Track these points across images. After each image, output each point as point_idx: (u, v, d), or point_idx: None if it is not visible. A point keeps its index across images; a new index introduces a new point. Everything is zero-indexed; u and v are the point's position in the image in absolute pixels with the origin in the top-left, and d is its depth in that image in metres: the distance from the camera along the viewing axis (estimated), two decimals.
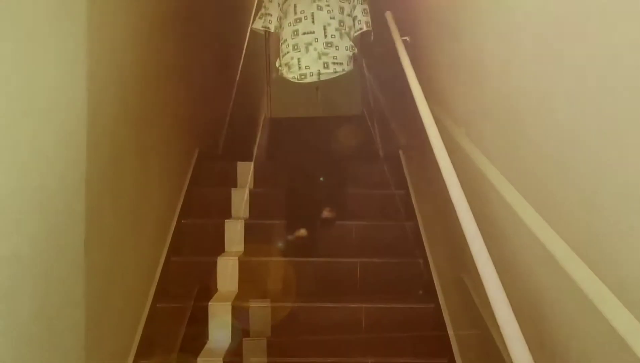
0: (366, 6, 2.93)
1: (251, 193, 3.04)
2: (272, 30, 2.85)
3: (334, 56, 2.75)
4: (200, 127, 3.28)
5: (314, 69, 2.74)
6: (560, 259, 1.29)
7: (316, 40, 2.73)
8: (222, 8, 4.03)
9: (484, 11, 1.79)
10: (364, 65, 5.16)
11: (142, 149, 2.19)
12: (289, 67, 2.76)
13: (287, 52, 2.76)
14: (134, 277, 2.15)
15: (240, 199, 3.02)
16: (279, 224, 2.81)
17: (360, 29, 2.88)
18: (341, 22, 2.79)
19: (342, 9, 2.82)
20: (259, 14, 2.89)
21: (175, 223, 2.69)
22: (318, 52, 2.73)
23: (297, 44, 2.74)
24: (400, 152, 3.24)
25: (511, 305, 1.39)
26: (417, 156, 2.83)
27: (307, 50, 2.73)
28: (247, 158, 3.95)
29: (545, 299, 1.38)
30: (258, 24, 2.89)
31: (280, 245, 2.76)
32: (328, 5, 2.78)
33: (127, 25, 1.97)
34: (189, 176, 2.99)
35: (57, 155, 1.51)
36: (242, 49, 5.31)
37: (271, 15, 2.84)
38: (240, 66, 5.10)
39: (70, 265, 1.60)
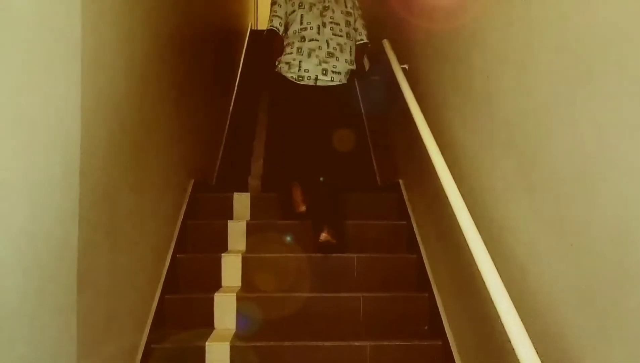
0: (364, 21, 3.17)
1: (248, 225, 2.94)
2: (280, 31, 3.03)
3: (333, 65, 2.95)
4: (195, 157, 3.20)
5: (312, 74, 2.94)
6: (584, 293, 1.22)
7: (319, 48, 2.94)
8: (215, 38, 3.99)
9: (497, 39, 1.74)
10: (359, 95, 5.15)
11: (137, 181, 2.10)
12: (290, 67, 2.95)
13: (290, 53, 2.95)
14: (129, 315, 2.04)
15: (237, 232, 2.92)
16: (278, 257, 2.72)
17: (361, 40, 3.11)
18: (348, 34, 3.02)
19: (348, 23, 3.05)
20: (269, 17, 3.08)
21: (170, 258, 2.59)
22: (319, 60, 2.93)
23: (301, 48, 2.94)
24: (401, 181, 3.16)
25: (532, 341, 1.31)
26: (419, 185, 2.75)
27: (309, 55, 2.93)
28: (242, 188, 3.89)
29: (565, 335, 1.30)
30: (270, 24, 3.05)
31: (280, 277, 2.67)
32: (332, 21, 2.99)
33: (121, 57, 1.90)
34: (184, 208, 2.90)
35: (50, 188, 1.42)
36: (236, 77, 5.28)
37: (280, 18, 3.04)
38: (234, 95, 5.06)
39: (61, 307, 1.50)
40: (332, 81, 2.95)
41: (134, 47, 2.03)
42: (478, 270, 1.56)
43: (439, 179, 1.97)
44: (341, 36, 3.00)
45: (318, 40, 2.94)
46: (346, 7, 3.10)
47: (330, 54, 2.95)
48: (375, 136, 4.21)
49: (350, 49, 3.03)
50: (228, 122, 4.67)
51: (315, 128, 2.99)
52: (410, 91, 2.55)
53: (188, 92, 3.00)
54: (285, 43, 3.01)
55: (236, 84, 5.28)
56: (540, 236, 1.45)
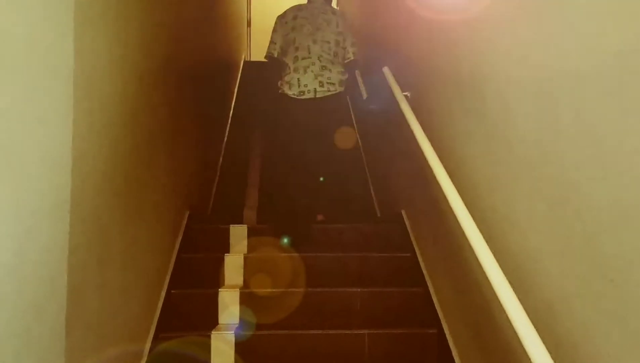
0: (355, 39, 3.45)
1: (246, 259, 2.82)
2: (275, 55, 3.37)
3: (328, 77, 3.28)
4: (189, 188, 3.08)
5: (311, 87, 3.26)
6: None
7: (313, 63, 3.27)
8: (210, 68, 3.92)
9: (515, 60, 1.66)
10: (355, 124, 5.09)
11: (131, 213, 1.98)
12: (290, 86, 3.28)
13: (289, 73, 3.29)
14: (121, 357, 1.90)
15: (234, 266, 2.79)
16: (277, 293, 2.59)
17: (349, 58, 3.38)
18: (335, 53, 3.34)
19: (337, 42, 3.36)
20: (269, 45, 3.42)
21: (164, 294, 2.45)
22: (314, 74, 3.27)
23: (297, 67, 3.28)
24: (403, 211, 3.06)
25: None
26: (425, 216, 2.65)
27: (305, 71, 3.27)
28: (237, 218, 3.77)
29: None
30: (268, 52, 3.40)
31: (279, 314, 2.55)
32: (323, 39, 3.32)
33: (115, 84, 1.81)
34: (179, 240, 2.77)
35: (38, 220, 1.30)
36: (230, 107, 5.21)
37: (275, 43, 3.39)
38: (228, 125, 4.98)
39: (48, 349, 1.36)
40: (328, 91, 3.28)
41: (128, 75, 1.94)
42: (498, 306, 1.45)
43: (449, 210, 1.87)
44: (329, 54, 3.31)
45: (311, 58, 3.27)
46: (337, 27, 3.38)
47: (324, 67, 3.28)
48: (374, 166, 4.13)
49: (340, 64, 3.36)
50: (222, 152, 4.57)
51: (316, 132, 3.35)
52: (415, 118, 2.48)
53: (183, 122, 2.90)
54: (284, 65, 3.35)
55: (230, 113, 5.20)
56: (569, 270, 1.35)
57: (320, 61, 3.26)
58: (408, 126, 2.64)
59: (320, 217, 3.49)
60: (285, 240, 3.00)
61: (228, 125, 5.00)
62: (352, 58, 3.36)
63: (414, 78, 2.83)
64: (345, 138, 4.35)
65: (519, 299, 1.45)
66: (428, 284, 2.58)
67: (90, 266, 1.60)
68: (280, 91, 3.32)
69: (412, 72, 2.85)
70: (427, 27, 2.58)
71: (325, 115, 3.30)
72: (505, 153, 1.70)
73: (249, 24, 7.92)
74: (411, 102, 2.72)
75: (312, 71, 3.24)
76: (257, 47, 8.02)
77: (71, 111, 1.44)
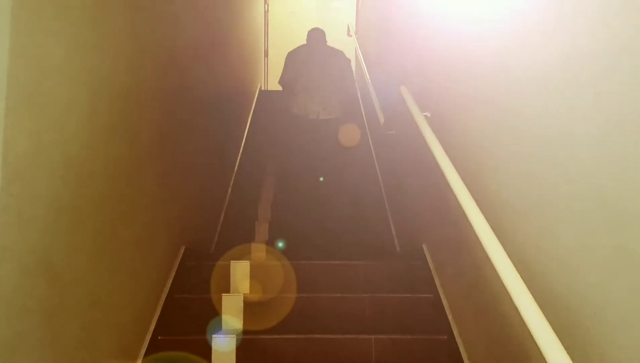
0: (351, 73, 4.41)
1: (247, 300, 2.50)
2: (288, 82, 4.27)
3: (330, 104, 4.18)
4: (186, 221, 2.79)
5: (315, 110, 4.17)
6: None
7: (317, 92, 4.18)
8: (218, 97, 3.68)
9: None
10: (373, 153, 4.80)
11: (109, 251, 1.69)
12: (299, 107, 4.20)
13: (298, 98, 4.21)
14: None
15: (233, 308, 2.47)
16: (281, 340, 2.26)
17: (348, 86, 4.34)
18: (335, 83, 4.25)
19: (340, 77, 4.28)
20: (282, 73, 4.33)
21: (148, 341, 2.14)
22: (319, 100, 4.17)
23: (305, 96, 4.18)
24: (424, 246, 2.72)
25: None
26: (449, 251, 2.31)
27: (312, 98, 4.17)
28: (244, 257, 3.46)
29: None
30: (281, 80, 4.32)
31: None
32: (326, 73, 4.20)
33: (78, 103, 1.54)
34: (170, 279, 2.47)
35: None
36: (242, 136, 4.96)
37: (288, 74, 4.27)
38: (239, 155, 4.72)
39: None
40: (329, 114, 4.20)
41: (101, 90, 1.68)
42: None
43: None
44: (332, 84, 4.24)
45: (317, 88, 4.19)
46: (339, 62, 4.30)
47: (325, 95, 4.19)
48: (393, 196, 3.80)
49: (340, 90, 4.29)
50: (232, 183, 4.30)
51: (332, 165, 4.18)
52: (436, 140, 2.16)
53: (182, 150, 2.64)
54: (295, 92, 4.24)
55: (242, 143, 4.95)
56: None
57: (324, 90, 4.18)
58: (429, 150, 2.34)
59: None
60: (280, 244, 3.21)
61: (239, 155, 4.75)
62: (347, 84, 4.34)
63: (434, 96, 2.53)
64: (362, 169, 4.54)
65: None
66: (454, 330, 2.21)
67: (33, 319, 1.30)
68: (291, 111, 4.24)
69: (433, 90, 2.56)
70: (447, 42, 2.29)
71: (339, 145, 4.10)
72: (551, 185, 1.37)
73: (266, 54, 7.78)
74: (432, 123, 2.41)
75: (316, 97, 4.16)
76: (274, 77, 7.85)
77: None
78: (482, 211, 1.65)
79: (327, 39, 4.45)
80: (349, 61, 4.37)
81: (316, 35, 4.39)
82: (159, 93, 2.28)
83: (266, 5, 7.92)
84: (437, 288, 2.47)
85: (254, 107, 5.79)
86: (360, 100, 6.18)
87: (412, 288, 2.69)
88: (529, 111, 1.50)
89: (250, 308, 2.48)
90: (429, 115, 2.54)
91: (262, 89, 6.92)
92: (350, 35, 6.74)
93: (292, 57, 4.27)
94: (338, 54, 4.33)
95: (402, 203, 3.45)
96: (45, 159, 1.35)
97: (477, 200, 1.73)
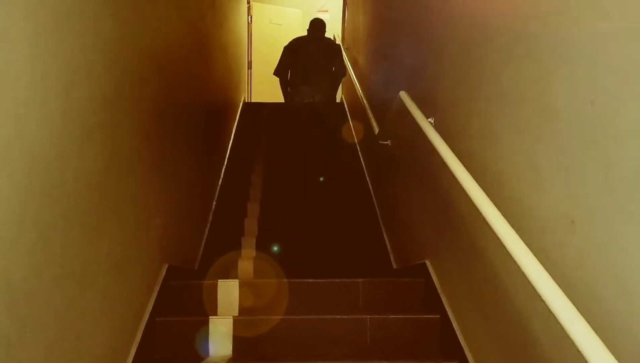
0: (342, 58, 5.21)
1: (236, 323, 2.26)
2: (285, 71, 5.17)
3: (322, 87, 5.07)
4: (170, 237, 2.56)
5: (309, 93, 5.05)
6: None
7: (310, 77, 5.01)
8: (202, 108, 3.47)
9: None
10: (363, 164, 4.62)
11: (80, 270, 1.46)
12: (296, 93, 5.08)
13: (294, 85, 5.13)
14: None
15: (221, 332, 2.24)
16: None
17: (336, 72, 5.19)
18: (328, 70, 5.12)
19: (328, 62, 5.12)
20: (278, 63, 5.18)
21: None
22: (311, 85, 5.03)
23: (299, 81, 5.07)
24: (428, 262, 2.52)
25: None
26: (460, 266, 2.12)
27: (305, 83, 5.05)
28: (231, 274, 3.24)
29: None
30: (278, 70, 5.18)
31: None
32: (317, 62, 5.05)
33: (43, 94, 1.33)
34: (151, 301, 2.23)
35: None
36: (226, 149, 4.75)
37: (284, 64, 5.15)
38: (223, 168, 4.50)
39: None
40: (322, 98, 5.10)
41: (72, 82, 1.46)
42: None
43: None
44: (322, 72, 5.10)
45: (309, 75, 5.04)
46: (331, 51, 5.17)
47: (318, 80, 5.05)
48: (387, 209, 3.61)
49: (328, 77, 5.17)
50: (216, 197, 4.07)
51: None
52: (446, 146, 1.97)
53: (163, 160, 2.41)
54: (290, 79, 5.16)
55: (226, 156, 4.73)
56: None
57: (316, 75, 5.04)
58: (434, 157, 2.15)
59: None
60: (275, 248, 3.23)
61: (223, 168, 4.52)
62: (335, 70, 5.18)
63: (440, 99, 2.35)
64: (350, 176, 4.46)
65: None
66: (467, 356, 2.01)
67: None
68: (288, 95, 5.20)
69: (438, 93, 2.38)
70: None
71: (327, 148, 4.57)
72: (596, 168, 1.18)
73: (249, 66, 7.59)
74: (437, 129, 2.23)
75: (310, 83, 5.03)
76: (257, 90, 7.66)
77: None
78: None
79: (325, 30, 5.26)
80: (339, 46, 5.34)
81: (315, 27, 5.15)
82: (140, 100, 2.07)
83: (249, 16, 7.75)
84: (445, 307, 2.26)
85: (238, 120, 5.58)
86: (347, 112, 6.02)
87: (416, 308, 2.49)
88: (569, 114, 1.32)
89: (240, 331, 2.25)
90: (432, 121, 2.36)
91: (246, 101, 6.71)
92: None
93: (290, 49, 5.16)
94: (330, 42, 5.32)
95: (398, 216, 3.25)
96: (4, 165, 1.13)
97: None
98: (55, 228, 1.35)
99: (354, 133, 5.21)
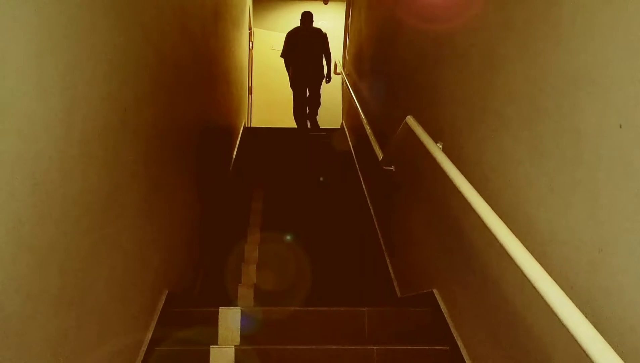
0: (328, 45, 6.65)
1: (237, 353, 2.18)
2: (286, 56, 6.59)
3: (317, 70, 6.53)
4: (170, 263, 2.48)
5: (306, 75, 6.49)
6: None
7: (307, 63, 6.48)
8: (207, 126, 3.43)
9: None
10: (365, 192, 4.57)
11: (79, 296, 1.39)
12: (295, 75, 6.51)
13: (293, 69, 6.54)
14: None
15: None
16: None
17: (325, 54, 6.65)
18: (320, 57, 6.58)
19: (320, 51, 6.56)
20: (285, 47, 6.59)
21: None
22: (307, 69, 6.47)
23: (297, 66, 6.49)
24: (435, 291, 2.45)
25: None
26: (471, 295, 2.05)
27: (303, 67, 6.48)
28: (232, 299, 3.16)
29: None
30: (284, 53, 6.59)
31: None
32: (312, 51, 6.48)
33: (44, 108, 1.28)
34: (151, 329, 2.15)
35: None
36: (227, 173, 4.69)
37: (285, 51, 6.56)
38: (224, 191, 4.44)
39: None
40: (317, 78, 6.56)
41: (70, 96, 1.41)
42: None
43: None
44: (316, 59, 6.51)
45: (305, 60, 6.46)
46: (323, 44, 6.55)
47: (314, 63, 6.50)
48: (390, 236, 3.54)
49: (322, 64, 6.60)
50: (217, 221, 4.00)
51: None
52: (458, 171, 1.92)
53: (165, 182, 2.36)
54: (290, 63, 6.56)
55: (227, 178, 4.68)
56: None
57: (311, 60, 6.47)
58: (443, 182, 2.10)
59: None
60: (276, 275, 3.27)
61: (224, 190, 4.46)
62: (325, 56, 6.61)
63: (448, 123, 2.31)
64: (352, 202, 4.40)
65: None
66: None
67: None
68: (289, 77, 6.58)
69: (447, 117, 2.34)
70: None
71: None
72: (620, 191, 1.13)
73: (250, 91, 7.59)
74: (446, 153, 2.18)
75: (306, 67, 6.44)
76: (257, 117, 7.64)
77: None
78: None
79: (313, 21, 6.67)
80: (326, 35, 6.61)
81: (305, 18, 6.59)
82: (143, 121, 2.02)
83: (251, 42, 7.78)
84: (455, 338, 2.18)
85: (238, 146, 5.54)
86: (348, 137, 5.99)
87: (423, 338, 2.41)
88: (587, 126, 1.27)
89: (242, 361, 2.16)
90: (441, 145, 2.31)
91: (247, 126, 6.69)
92: (339, 73, 6.62)
93: (290, 35, 6.54)
94: (319, 31, 6.60)
95: (402, 244, 3.18)
96: (3, 185, 1.07)
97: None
98: (54, 250, 1.28)
99: (355, 159, 5.17)
